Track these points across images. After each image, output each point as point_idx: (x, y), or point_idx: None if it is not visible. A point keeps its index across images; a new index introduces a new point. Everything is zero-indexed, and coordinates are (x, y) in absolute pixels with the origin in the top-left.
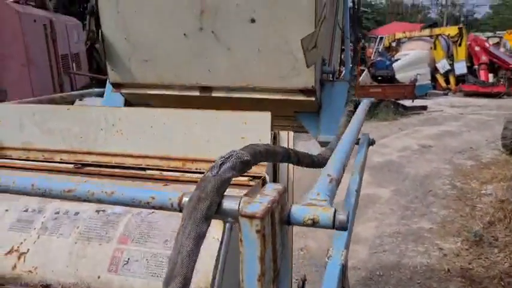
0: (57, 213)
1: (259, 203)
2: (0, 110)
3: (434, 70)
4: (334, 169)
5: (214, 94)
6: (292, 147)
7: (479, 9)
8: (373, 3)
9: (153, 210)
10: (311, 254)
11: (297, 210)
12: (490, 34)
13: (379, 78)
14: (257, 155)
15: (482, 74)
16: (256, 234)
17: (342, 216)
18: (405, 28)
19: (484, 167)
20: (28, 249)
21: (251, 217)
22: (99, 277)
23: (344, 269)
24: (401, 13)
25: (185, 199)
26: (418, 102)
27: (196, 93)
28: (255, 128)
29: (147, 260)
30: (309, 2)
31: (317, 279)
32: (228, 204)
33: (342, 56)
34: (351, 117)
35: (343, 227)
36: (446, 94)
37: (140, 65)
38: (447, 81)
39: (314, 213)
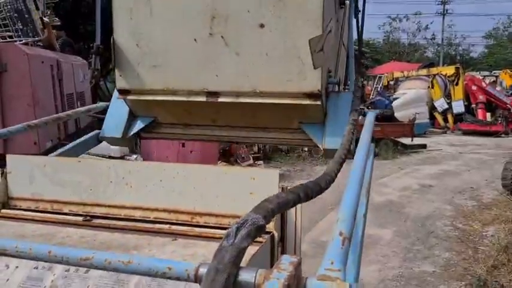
0: (68, 271)
1: (277, 280)
2: (11, 160)
3: (432, 108)
4: (345, 223)
5: (220, 99)
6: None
7: (475, 48)
8: (371, 42)
9: None
10: None
11: (312, 285)
12: (486, 73)
13: (378, 117)
14: (270, 214)
15: (479, 113)
16: None
17: None
18: (403, 67)
19: (485, 208)
20: None
21: None
22: None
23: None
24: (398, 52)
25: (202, 270)
26: (417, 141)
27: (203, 99)
28: (263, 184)
29: None
30: (316, 8)
31: None
32: (245, 277)
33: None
34: (355, 126)
35: None
36: (445, 132)
37: (149, 71)
38: (445, 120)
39: None
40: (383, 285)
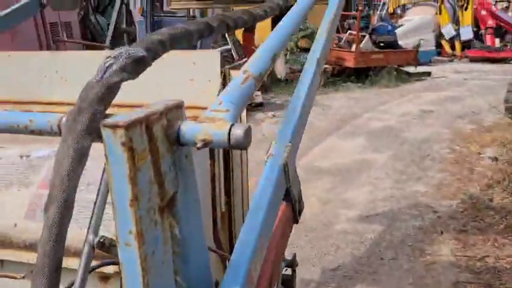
0: None
1: (128, 115)
2: None
3: (439, 36)
4: (258, 61)
5: None
6: None
7: None
8: None
9: None
10: None
11: (188, 129)
12: None
13: (381, 44)
14: (157, 46)
15: (488, 39)
16: (122, 148)
17: (238, 131)
18: None
19: (485, 131)
20: None
21: (113, 127)
22: (15, 225)
23: (286, 168)
24: None
25: (65, 119)
26: (421, 69)
27: None
28: (203, 69)
29: None
30: None
31: None
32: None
33: None
34: None
35: (239, 144)
36: (451, 61)
37: None
38: (453, 47)
39: (206, 131)
40: (373, 206)
